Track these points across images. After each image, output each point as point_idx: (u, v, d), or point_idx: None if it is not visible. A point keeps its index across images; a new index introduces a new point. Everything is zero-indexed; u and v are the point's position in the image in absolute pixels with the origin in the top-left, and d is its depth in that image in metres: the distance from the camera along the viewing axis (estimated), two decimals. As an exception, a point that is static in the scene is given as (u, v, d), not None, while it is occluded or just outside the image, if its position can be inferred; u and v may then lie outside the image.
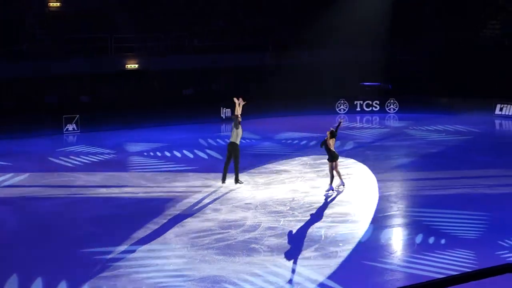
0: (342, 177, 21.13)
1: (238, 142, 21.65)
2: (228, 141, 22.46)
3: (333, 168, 20.78)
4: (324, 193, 20.60)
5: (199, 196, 20.44)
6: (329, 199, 19.96)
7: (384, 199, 20.04)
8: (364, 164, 25.35)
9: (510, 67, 37.39)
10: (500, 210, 18.56)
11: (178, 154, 27.99)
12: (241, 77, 40.32)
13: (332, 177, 20.82)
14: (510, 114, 38.16)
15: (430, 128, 34.50)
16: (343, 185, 21.03)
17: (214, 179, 22.34)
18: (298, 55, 41.62)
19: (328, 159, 20.90)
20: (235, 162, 21.58)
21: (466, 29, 41.38)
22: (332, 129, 21.21)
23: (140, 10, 40.41)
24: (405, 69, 42.09)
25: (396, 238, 16.53)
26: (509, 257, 14.52)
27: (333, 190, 20.73)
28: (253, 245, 15.53)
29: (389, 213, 18.60)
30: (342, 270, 14.06)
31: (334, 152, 20.96)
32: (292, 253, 15.08)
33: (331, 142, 20.96)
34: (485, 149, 28.91)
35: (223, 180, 21.74)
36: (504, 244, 15.44)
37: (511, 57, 38.30)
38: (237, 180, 21.61)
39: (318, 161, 25.02)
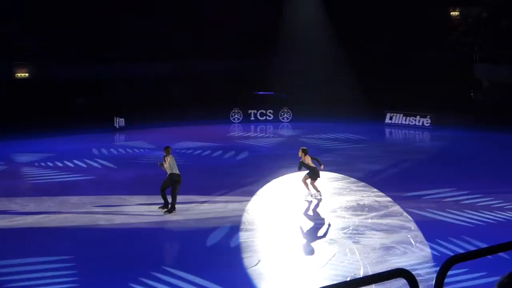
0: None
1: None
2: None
3: (307, 182, 21.20)
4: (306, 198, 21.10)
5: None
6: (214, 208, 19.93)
7: (280, 206, 20.17)
8: (259, 173, 25.48)
9: (398, 77, 38.47)
10: (388, 216, 18.99)
11: (71, 164, 27.44)
12: (134, 86, 39.99)
13: (307, 185, 21.24)
14: (399, 122, 39.30)
15: (322, 137, 35.09)
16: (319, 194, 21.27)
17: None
18: (193, 64, 41.60)
19: (309, 175, 21.08)
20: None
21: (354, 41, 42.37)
22: (302, 148, 21.57)
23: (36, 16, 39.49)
24: (298, 78, 42.77)
25: (293, 244, 16.66)
26: (399, 262, 14.86)
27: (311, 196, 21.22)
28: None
29: (285, 220, 18.76)
30: (238, 277, 14.04)
31: (315, 168, 21.05)
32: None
33: (308, 160, 21.03)
34: (375, 156, 29.56)
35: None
36: (396, 250, 15.81)
37: (398, 67, 39.42)
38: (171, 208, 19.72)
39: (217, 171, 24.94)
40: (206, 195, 21.56)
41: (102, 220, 18.70)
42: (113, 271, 14.42)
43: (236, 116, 41.22)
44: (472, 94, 39.38)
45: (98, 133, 35.85)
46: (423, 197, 21.24)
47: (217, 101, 40.25)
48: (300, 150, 21.38)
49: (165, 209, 19.31)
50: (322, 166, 21.36)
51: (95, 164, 27.56)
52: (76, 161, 28.01)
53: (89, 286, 13.68)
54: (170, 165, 19.67)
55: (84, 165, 27.31)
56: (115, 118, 37.71)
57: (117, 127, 37.73)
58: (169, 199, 19.40)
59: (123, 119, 37.69)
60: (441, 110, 37.11)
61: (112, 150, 31.23)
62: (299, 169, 21.22)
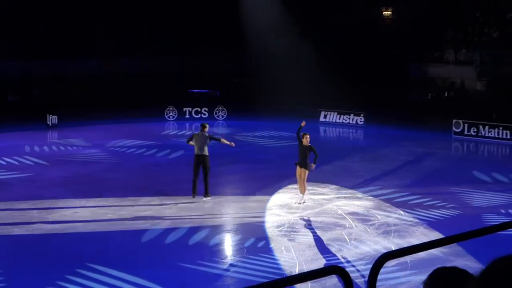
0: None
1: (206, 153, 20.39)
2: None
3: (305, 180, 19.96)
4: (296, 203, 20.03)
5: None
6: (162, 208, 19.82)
7: (217, 203, 20.16)
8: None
9: (331, 76, 38.78)
10: (323, 214, 19.18)
11: (3, 162, 26.92)
12: (67, 83, 39.46)
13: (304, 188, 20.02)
14: (333, 121, 39.70)
15: (257, 135, 35.22)
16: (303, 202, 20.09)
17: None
18: (125, 62, 41.22)
19: (300, 165, 19.98)
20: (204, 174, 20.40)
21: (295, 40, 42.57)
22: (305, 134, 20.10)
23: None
24: (232, 77, 42.84)
25: (227, 243, 16.67)
26: (334, 259, 15.02)
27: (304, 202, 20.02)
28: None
29: (220, 218, 18.76)
30: (172, 275, 13.97)
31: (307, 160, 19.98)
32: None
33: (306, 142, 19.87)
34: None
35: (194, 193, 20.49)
36: (331, 247, 15.97)
37: (333, 66, 39.77)
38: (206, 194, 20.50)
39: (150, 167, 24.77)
40: (140, 194, 21.39)
41: (35, 218, 18.38)
42: (42, 271, 14.18)
43: (171, 114, 41.02)
44: (414, 95, 39.93)
45: (30, 130, 35.25)
46: (357, 194, 21.51)
47: (151, 98, 39.99)
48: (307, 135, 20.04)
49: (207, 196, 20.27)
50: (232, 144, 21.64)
51: (27, 162, 27.08)
52: (7, 159, 27.46)
53: (17, 286, 13.44)
54: (197, 144, 20.07)
55: (17, 163, 26.81)
56: (47, 115, 37.11)
57: (50, 124, 37.15)
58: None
59: (56, 116, 37.13)
60: (375, 109, 37.60)
61: (45, 147, 30.73)
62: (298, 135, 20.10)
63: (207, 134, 20.41)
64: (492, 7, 40.28)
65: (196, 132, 20.87)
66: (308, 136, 20.05)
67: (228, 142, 21.32)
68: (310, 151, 19.93)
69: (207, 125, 21.00)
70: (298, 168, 20.12)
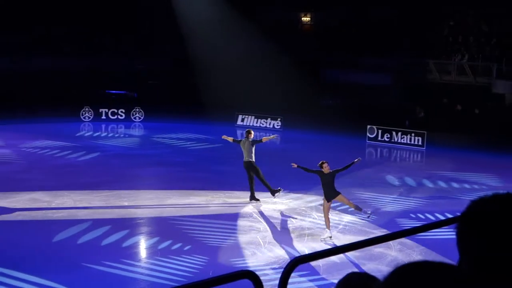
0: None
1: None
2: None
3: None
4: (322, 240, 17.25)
5: None
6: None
7: (133, 206, 19.96)
8: (111, 172, 25.13)
9: (249, 80, 38.93)
10: (238, 217, 19.23)
11: None
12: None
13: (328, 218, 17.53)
14: (250, 124, 39.82)
15: (174, 137, 35.06)
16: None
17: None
18: (40, 60, 40.32)
19: (329, 197, 17.62)
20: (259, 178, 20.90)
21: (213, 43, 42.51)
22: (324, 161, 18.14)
23: None
24: (150, 78, 42.50)
25: (141, 245, 16.53)
26: (247, 263, 15.08)
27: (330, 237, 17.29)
28: None
29: (136, 221, 18.59)
30: (83, 277, 13.77)
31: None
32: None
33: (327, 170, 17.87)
34: (226, 158, 29.80)
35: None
36: (245, 251, 16.03)
37: (250, 71, 39.91)
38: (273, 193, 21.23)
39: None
40: (53, 195, 21.00)
41: None
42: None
43: (86, 114, 40.33)
44: (329, 101, 40.37)
45: None
46: (273, 198, 21.60)
47: (67, 99, 39.25)
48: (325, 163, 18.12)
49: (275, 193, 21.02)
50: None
51: None
52: None
53: None
54: (244, 150, 20.68)
55: None
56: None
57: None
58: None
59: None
60: (292, 113, 37.90)
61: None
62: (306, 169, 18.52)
63: (251, 140, 20.97)
64: (409, 15, 41.21)
65: (242, 139, 21.57)
66: (326, 164, 18.05)
67: (270, 137, 23.21)
68: (335, 176, 17.91)
69: (252, 132, 21.63)
70: (325, 201, 17.71)
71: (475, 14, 38.82)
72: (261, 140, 21.63)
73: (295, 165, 18.97)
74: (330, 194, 17.52)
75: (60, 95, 39.23)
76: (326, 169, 17.81)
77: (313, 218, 19.26)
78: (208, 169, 26.82)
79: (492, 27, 37.47)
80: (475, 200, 2.02)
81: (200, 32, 41.80)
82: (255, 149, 20.88)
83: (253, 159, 20.74)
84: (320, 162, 18.12)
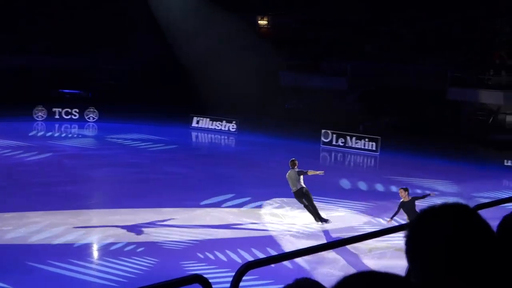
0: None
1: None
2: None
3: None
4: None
5: None
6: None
7: (86, 207, 19.75)
8: (64, 172, 24.87)
9: (205, 82, 38.85)
10: (191, 221, 19.17)
11: None
12: None
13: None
14: (205, 127, 39.69)
15: (128, 137, 34.79)
16: None
17: None
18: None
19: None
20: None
21: (171, 44, 42.28)
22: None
23: None
24: (105, 78, 42.15)
25: (92, 247, 16.38)
26: (199, 267, 15.03)
27: None
28: None
29: (91, 223, 18.40)
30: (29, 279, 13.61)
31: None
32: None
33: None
34: (181, 160, 29.72)
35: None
36: (201, 256, 15.97)
37: (207, 73, 39.84)
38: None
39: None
40: (4, 195, 20.70)
41: None
42: None
43: (39, 114, 39.76)
44: (285, 104, 40.35)
45: None
46: (225, 202, 21.51)
47: (20, 97, 38.63)
48: (402, 189, 17.85)
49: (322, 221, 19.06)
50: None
51: None
52: None
53: None
54: (290, 182, 19.13)
55: None
56: None
57: None
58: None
59: None
60: (247, 116, 37.89)
61: None
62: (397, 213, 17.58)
63: (297, 170, 19.42)
64: (366, 21, 41.48)
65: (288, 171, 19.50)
66: (404, 191, 17.60)
67: (316, 172, 20.26)
68: (415, 202, 17.35)
69: (297, 161, 19.79)
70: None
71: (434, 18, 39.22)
72: (306, 172, 19.59)
73: (390, 220, 17.91)
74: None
75: (14, 94, 38.58)
76: (406, 196, 17.48)
77: (267, 223, 19.27)
78: (162, 170, 26.68)
79: (450, 32, 37.89)
80: (425, 209, 2.04)
81: (158, 32, 41.61)
82: (303, 178, 19.32)
83: (303, 185, 19.18)
84: (402, 189, 17.83)
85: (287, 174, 19.33)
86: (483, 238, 1.94)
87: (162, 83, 39.87)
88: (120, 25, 42.11)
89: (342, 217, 20.51)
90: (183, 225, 18.51)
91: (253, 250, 16.50)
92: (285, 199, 22.07)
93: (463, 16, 37.82)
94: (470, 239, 1.92)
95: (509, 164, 29.89)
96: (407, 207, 17.08)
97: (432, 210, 2.01)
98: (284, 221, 19.49)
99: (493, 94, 33.45)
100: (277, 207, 21.13)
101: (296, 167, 19.44)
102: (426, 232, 1.95)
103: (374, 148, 34.03)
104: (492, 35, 36.41)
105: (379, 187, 25.77)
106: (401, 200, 17.47)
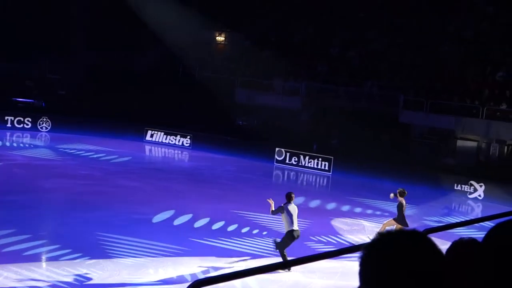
0: None
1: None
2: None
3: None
4: None
5: None
6: None
7: (36, 217, 19.47)
8: (13, 182, 24.50)
9: (160, 95, 38.70)
10: (134, 235, 19.03)
11: None
12: None
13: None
14: (160, 141, 39.47)
15: (80, 148, 34.42)
16: None
17: None
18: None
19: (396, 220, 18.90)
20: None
21: (121, 55, 42.06)
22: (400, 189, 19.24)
23: None
24: (59, 88, 41.72)
25: (42, 255, 16.16)
26: (151, 282, 14.89)
27: None
28: None
29: (41, 232, 18.14)
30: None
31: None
32: None
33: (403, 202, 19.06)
34: (133, 173, 29.52)
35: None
36: (150, 272, 15.82)
37: (161, 86, 39.73)
38: None
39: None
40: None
41: None
42: None
43: (-12, 121, 39.10)
44: (239, 121, 40.31)
45: None
46: (177, 218, 21.35)
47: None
48: (398, 191, 19.16)
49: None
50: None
51: None
52: None
53: None
54: (294, 217, 16.69)
55: None
56: None
57: None
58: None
59: None
60: (202, 131, 37.83)
61: None
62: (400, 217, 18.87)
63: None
64: (321, 41, 41.84)
65: (284, 204, 17.17)
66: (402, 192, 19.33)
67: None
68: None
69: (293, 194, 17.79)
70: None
71: (386, 42, 39.71)
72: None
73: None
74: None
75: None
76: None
77: (208, 241, 19.17)
78: (114, 183, 26.47)
79: (402, 57, 38.35)
80: (381, 233, 2.11)
81: (114, 44, 41.39)
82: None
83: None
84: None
85: (291, 207, 17.06)
86: (434, 264, 1.99)
87: (116, 95, 39.51)
88: (67, 36, 41.90)
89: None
90: (133, 240, 18.31)
91: (207, 267, 16.41)
92: (235, 217, 22.07)
93: (411, 42, 38.46)
94: (422, 264, 1.97)
95: (458, 188, 30.34)
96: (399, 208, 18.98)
97: (387, 235, 2.08)
98: (234, 240, 19.44)
99: (444, 119, 33.97)
100: (223, 225, 21.05)
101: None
102: (380, 256, 2.01)
103: (326, 168, 34.25)
104: (441, 62, 36.97)
105: (330, 206, 25.95)
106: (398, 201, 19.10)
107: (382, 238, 2.05)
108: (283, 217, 16.99)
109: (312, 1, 43.59)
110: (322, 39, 41.96)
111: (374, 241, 2.05)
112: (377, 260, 2.00)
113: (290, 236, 16.66)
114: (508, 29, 36.63)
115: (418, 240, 2.04)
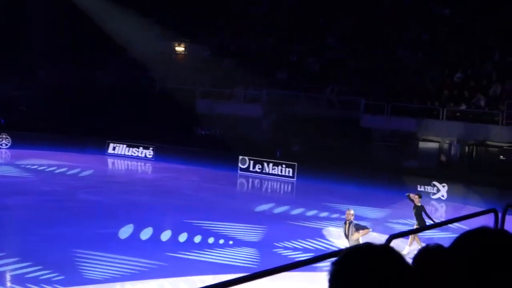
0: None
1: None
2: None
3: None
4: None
5: None
6: None
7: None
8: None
9: (123, 108, 38.47)
10: (109, 249, 18.88)
11: None
12: None
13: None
14: (122, 153, 39.23)
15: (44, 163, 34.07)
16: None
17: None
18: None
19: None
20: None
21: (83, 70, 41.81)
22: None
23: None
24: (19, 104, 41.26)
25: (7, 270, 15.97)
26: None
27: None
28: None
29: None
30: None
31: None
32: None
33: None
34: (96, 187, 29.30)
35: None
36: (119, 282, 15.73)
37: (124, 99, 39.50)
38: None
39: None
40: None
41: None
42: None
43: None
44: (202, 131, 40.20)
45: None
46: (142, 230, 21.18)
47: None
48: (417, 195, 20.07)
49: None
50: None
51: None
52: None
53: None
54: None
55: None
56: None
57: None
58: None
59: None
60: (164, 142, 37.72)
61: None
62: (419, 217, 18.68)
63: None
64: (280, 49, 41.99)
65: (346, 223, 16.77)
66: (418, 197, 20.06)
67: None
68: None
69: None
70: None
71: (346, 48, 39.99)
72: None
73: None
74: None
75: None
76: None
77: (174, 253, 19.07)
78: (77, 198, 26.25)
79: (361, 62, 38.59)
80: (350, 247, 2.16)
81: (76, 59, 41.12)
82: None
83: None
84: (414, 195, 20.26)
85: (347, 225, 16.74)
86: (402, 279, 2.01)
87: (76, 109, 39.22)
88: (27, 51, 41.51)
89: (253, 243, 20.45)
90: (102, 255, 18.14)
91: (172, 280, 16.35)
92: (201, 225, 22.01)
93: (369, 47, 38.80)
94: (390, 281, 1.99)
95: (422, 189, 30.61)
96: (416, 211, 19.18)
97: (355, 249, 2.10)
98: (204, 251, 19.37)
99: (405, 121, 34.23)
100: (191, 235, 20.97)
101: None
102: (347, 269, 2.02)
103: (291, 174, 34.33)
104: (400, 65, 37.31)
105: (295, 211, 25.99)
106: (414, 205, 19.59)
107: (351, 253, 2.07)
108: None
109: (272, 11, 43.84)
110: (282, 47, 42.12)
111: (343, 256, 2.07)
112: (345, 277, 2.02)
113: None
114: (465, 30, 37.13)
115: (386, 256, 2.05)
